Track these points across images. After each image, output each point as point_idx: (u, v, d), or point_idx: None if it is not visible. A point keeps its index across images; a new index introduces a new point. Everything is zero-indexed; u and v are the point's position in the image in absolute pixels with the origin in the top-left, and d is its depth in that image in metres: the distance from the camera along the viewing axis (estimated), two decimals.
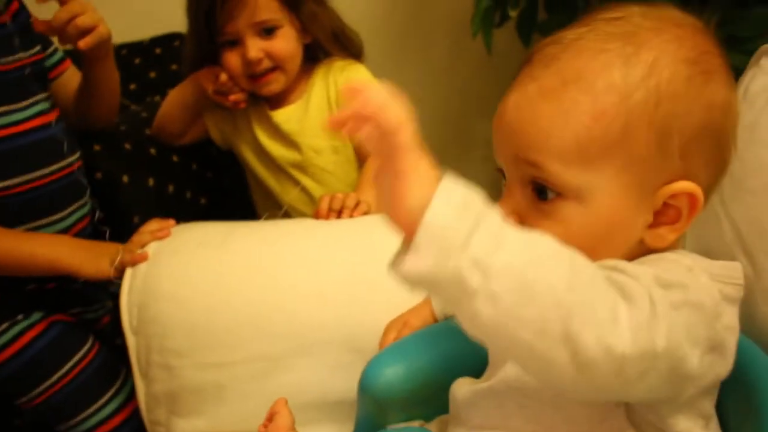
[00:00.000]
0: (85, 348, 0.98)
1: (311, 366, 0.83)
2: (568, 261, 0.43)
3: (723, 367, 0.49)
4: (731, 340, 0.49)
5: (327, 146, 1.14)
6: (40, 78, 1.03)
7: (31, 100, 0.98)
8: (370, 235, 0.89)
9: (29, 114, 0.97)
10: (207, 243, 0.91)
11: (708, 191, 0.52)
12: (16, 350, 0.95)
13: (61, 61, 1.13)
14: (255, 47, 1.07)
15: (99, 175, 1.06)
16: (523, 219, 0.52)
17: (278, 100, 1.15)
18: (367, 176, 1.07)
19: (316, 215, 0.96)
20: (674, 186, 0.49)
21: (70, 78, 1.12)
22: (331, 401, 0.83)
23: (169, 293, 0.86)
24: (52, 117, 1.01)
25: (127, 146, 1.13)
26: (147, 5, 1.83)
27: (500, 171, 0.55)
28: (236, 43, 1.07)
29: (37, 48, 1.03)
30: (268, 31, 1.08)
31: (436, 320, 0.73)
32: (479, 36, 1.61)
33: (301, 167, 1.16)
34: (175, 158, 1.20)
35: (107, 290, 1.07)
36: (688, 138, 0.49)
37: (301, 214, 1.14)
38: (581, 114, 0.49)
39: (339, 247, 0.89)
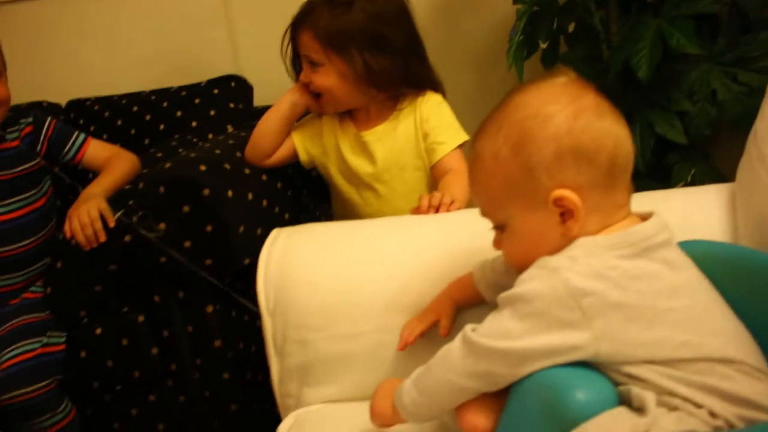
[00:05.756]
0: None
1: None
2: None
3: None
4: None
5: (410, 164, 1.33)
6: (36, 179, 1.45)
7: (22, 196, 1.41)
8: (463, 225, 1.05)
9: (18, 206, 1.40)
10: (329, 235, 1.07)
11: (602, 186, 0.71)
12: None
13: (81, 146, 1.49)
14: (304, 73, 1.30)
15: (206, 191, 1.20)
16: (501, 244, 0.78)
17: (365, 122, 1.34)
18: (447, 183, 1.23)
19: (418, 211, 1.13)
20: (551, 195, 0.70)
21: (93, 155, 1.50)
22: None
23: (303, 278, 1.01)
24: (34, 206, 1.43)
25: (227, 166, 1.28)
26: (198, 55, 2.01)
27: None
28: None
29: (36, 161, 1.44)
30: (313, 64, 1.28)
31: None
32: (499, 68, 1.81)
33: (382, 180, 1.34)
34: (264, 177, 1.35)
35: None
36: (546, 164, 0.70)
37: None
38: (482, 177, 0.75)
39: (442, 234, 1.04)
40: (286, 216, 1.39)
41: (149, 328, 1.32)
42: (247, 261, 1.26)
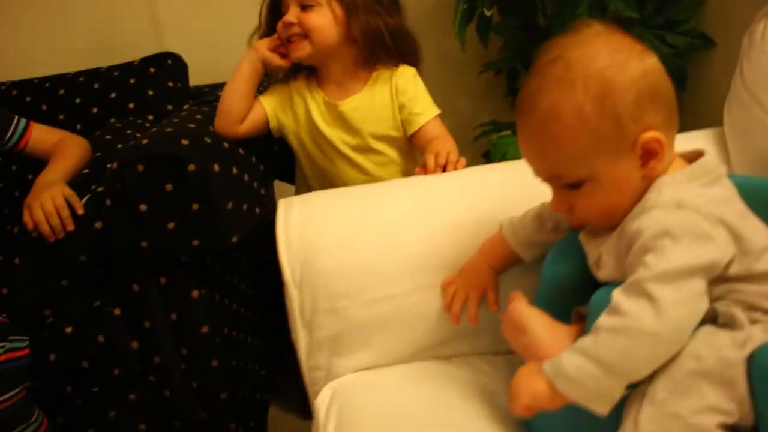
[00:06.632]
0: None
1: None
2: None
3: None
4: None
5: (386, 135, 1.32)
6: None
7: None
8: (478, 181, 1.06)
9: None
10: (345, 199, 1.04)
11: (668, 124, 0.73)
12: None
13: (24, 132, 1.38)
14: (292, 14, 1.25)
15: (192, 167, 1.12)
16: (571, 203, 0.77)
17: (338, 91, 1.32)
18: (437, 146, 1.22)
19: (424, 171, 1.12)
20: (640, 139, 0.71)
21: (39, 141, 1.39)
22: (482, 315, 0.97)
23: (330, 244, 0.97)
24: None
25: (208, 140, 1.20)
26: (117, 35, 1.87)
27: None
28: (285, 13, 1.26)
29: None
30: (305, 6, 1.25)
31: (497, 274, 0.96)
32: (429, 34, 1.83)
33: (360, 151, 1.32)
34: (241, 150, 1.28)
35: None
36: (631, 110, 0.71)
37: None
38: (562, 137, 0.72)
39: (461, 191, 1.04)
40: (262, 191, 1.33)
41: (127, 320, 1.22)
42: (235, 239, 1.19)
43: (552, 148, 0.74)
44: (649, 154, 0.73)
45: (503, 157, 1.69)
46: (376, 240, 0.98)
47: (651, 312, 0.64)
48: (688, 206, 0.69)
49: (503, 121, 1.85)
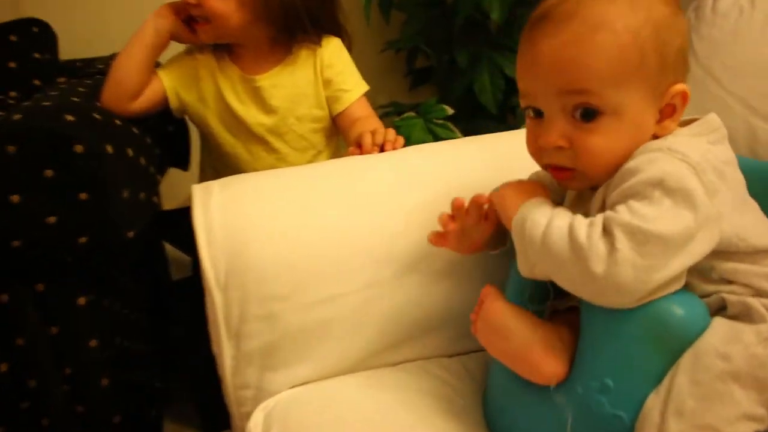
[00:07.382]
0: None
1: (419, 282, 0.85)
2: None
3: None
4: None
5: (308, 114, 1.17)
6: None
7: None
8: (423, 162, 0.94)
9: None
10: (277, 183, 0.88)
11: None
12: None
13: None
14: None
15: (80, 147, 0.92)
16: (571, 140, 0.67)
17: (253, 65, 1.15)
18: (364, 129, 1.08)
19: (361, 150, 0.99)
20: (673, 89, 0.67)
21: None
22: (436, 312, 0.87)
23: (264, 235, 0.82)
24: None
25: (97, 116, 1.01)
26: None
27: (530, 109, 0.70)
28: None
29: None
30: None
31: None
32: None
33: (277, 132, 1.17)
34: (135, 129, 1.09)
35: None
36: (674, 56, 0.67)
37: None
38: (610, 49, 0.64)
39: (407, 173, 0.92)
40: (158, 178, 1.15)
41: None
42: (131, 234, 1.01)
43: (594, 58, 0.64)
44: (669, 110, 0.68)
45: (408, 141, 1.59)
46: (315, 229, 0.83)
47: (604, 255, 0.59)
48: (691, 163, 0.62)
49: (403, 102, 1.76)
